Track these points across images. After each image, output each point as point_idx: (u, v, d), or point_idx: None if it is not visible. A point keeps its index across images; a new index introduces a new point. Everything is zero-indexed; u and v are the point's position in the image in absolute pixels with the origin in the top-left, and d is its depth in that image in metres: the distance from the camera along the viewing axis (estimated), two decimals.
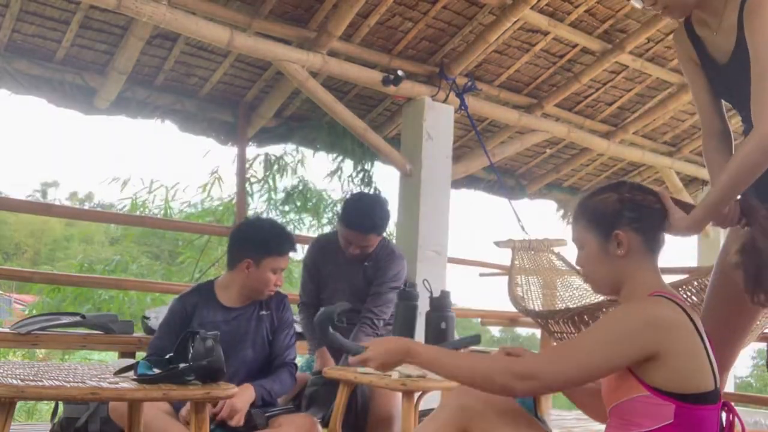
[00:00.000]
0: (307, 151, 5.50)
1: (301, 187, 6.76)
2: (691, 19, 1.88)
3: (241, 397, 2.27)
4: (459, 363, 1.56)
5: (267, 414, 2.37)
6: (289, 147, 5.49)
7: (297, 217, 7.22)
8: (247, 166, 5.65)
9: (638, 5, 1.84)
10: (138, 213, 8.42)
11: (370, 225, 2.95)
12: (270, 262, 2.50)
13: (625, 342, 1.44)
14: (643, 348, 1.44)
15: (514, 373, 1.48)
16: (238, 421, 2.26)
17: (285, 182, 6.59)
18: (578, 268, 1.86)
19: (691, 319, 1.50)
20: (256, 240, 2.54)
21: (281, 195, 6.69)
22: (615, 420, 1.52)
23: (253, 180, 5.82)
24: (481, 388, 1.54)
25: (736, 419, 1.55)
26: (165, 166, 48.08)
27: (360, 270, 3.09)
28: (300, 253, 4.23)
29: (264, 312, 2.56)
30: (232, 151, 4.96)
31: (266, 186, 6.22)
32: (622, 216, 1.60)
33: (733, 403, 1.57)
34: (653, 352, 1.44)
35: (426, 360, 1.60)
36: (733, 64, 1.75)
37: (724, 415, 1.54)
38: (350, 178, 5.36)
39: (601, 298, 2.61)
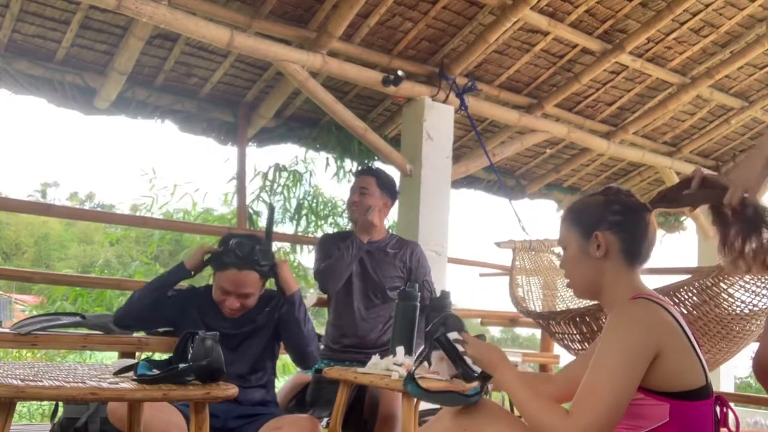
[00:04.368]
0: (319, 161, 5.54)
1: (312, 195, 6.80)
2: None
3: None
4: (520, 399, 1.53)
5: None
6: (300, 156, 5.52)
7: (315, 225, 7.23)
8: (262, 175, 5.69)
9: None
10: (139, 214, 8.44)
11: (374, 171, 3.33)
12: (218, 279, 2.51)
13: (639, 358, 1.43)
14: (653, 353, 1.44)
15: (556, 417, 1.46)
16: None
17: (298, 192, 6.63)
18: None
19: (674, 318, 1.51)
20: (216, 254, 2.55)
21: (294, 204, 6.72)
22: None
23: (268, 191, 5.86)
24: (530, 424, 1.54)
25: (730, 412, 1.55)
26: (183, 169, 48.15)
27: (380, 258, 3.16)
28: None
29: (259, 315, 2.56)
30: (250, 158, 4.97)
31: (282, 196, 6.27)
32: (604, 218, 1.61)
33: (731, 403, 1.57)
34: (656, 354, 1.45)
35: (501, 381, 1.61)
36: None
37: (718, 409, 1.55)
38: None
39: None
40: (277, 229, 6.31)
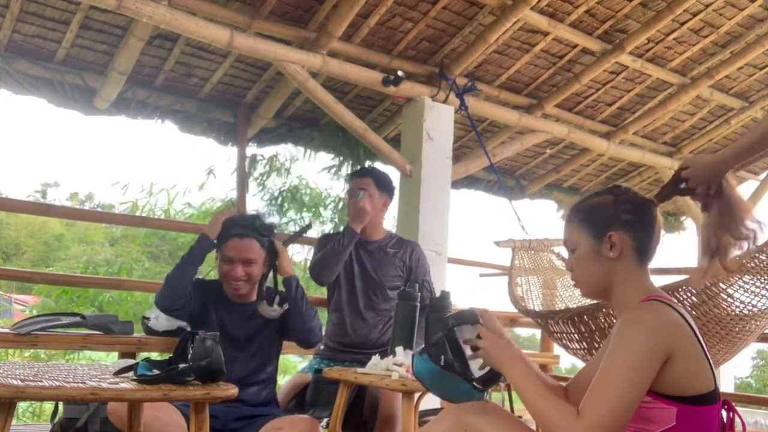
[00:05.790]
0: (302, 150, 5.52)
1: (298, 186, 6.76)
2: None
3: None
4: (528, 396, 1.51)
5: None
6: (282, 146, 5.50)
7: (298, 216, 7.20)
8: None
9: None
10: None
11: (370, 171, 3.36)
12: (222, 251, 2.57)
13: (650, 361, 1.43)
14: (663, 356, 1.44)
15: (565, 416, 1.44)
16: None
17: (281, 182, 6.61)
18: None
19: (686, 321, 1.50)
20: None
21: (276, 194, 6.70)
22: None
23: (250, 180, 5.83)
24: (538, 423, 1.54)
25: (737, 417, 1.55)
26: (166, 167, 48.26)
27: (380, 258, 3.17)
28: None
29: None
30: (227, 150, 4.97)
31: (264, 186, 6.24)
32: (617, 218, 1.60)
33: (732, 403, 1.57)
34: (666, 357, 1.44)
35: (510, 376, 1.58)
36: None
37: (724, 413, 1.55)
38: None
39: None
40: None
